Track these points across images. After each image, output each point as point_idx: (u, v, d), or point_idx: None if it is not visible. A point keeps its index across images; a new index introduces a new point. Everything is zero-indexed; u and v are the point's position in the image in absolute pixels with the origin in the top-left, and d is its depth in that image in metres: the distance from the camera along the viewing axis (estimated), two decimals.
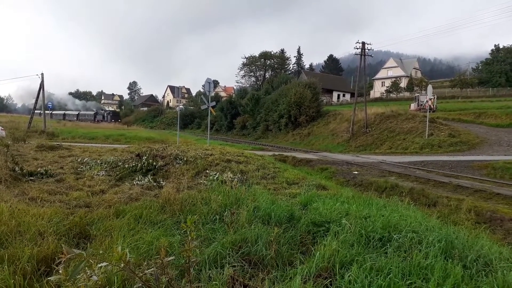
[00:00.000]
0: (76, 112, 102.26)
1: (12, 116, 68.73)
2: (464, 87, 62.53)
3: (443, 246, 4.23)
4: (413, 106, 43.51)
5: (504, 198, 11.18)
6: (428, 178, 14.33)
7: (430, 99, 31.67)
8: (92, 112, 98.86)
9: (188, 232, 2.72)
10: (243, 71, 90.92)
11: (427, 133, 27.20)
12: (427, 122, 27.52)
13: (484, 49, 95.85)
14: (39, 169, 10.00)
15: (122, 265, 2.23)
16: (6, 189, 7.36)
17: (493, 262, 4.01)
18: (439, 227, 5.13)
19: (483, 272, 3.82)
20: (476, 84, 63.97)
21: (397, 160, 20.50)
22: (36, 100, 40.18)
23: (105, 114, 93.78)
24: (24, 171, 9.45)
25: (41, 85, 37.11)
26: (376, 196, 9.23)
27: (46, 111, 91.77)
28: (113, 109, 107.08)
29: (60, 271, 2.34)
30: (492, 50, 67.88)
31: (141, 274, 2.45)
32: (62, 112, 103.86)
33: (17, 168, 9.34)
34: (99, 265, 2.41)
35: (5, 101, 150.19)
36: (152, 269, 2.58)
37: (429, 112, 28.86)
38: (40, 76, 36.61)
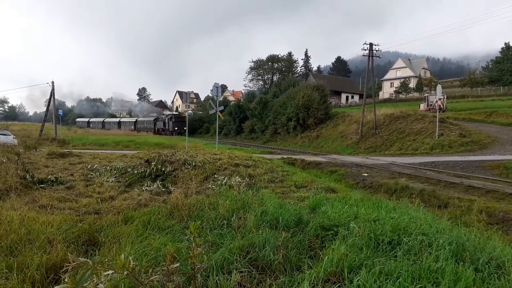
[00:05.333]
0: (134, 119, 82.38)
1: (24, 124, 69.65)
2: (474, 86, 61.89)
3: (454, 249, 4.16)
4: (422, 106, 43.16)
5: None
6: (439, 179, 14.14)
7: (440, 99, 31.38)
8: (152, 118, 75.16)
9: (192, 239, 2.72)
10: (250, 75, 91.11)
11: (437, 134, 26.90)
12: (437, 122, 27.22)
13: (494, 47, 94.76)
14: (49, 177, 10.13)
15: (126, 272, 2.23)
16: (17, 197, 7.45)
17: (506, 264, 3.93)
18: (449, 229, 5.05)
19: (495, 275, 3.74)
20: (487, 83, 63.32)
21: (407, 161, 20.30)
22: (47, 108, 40.74)
23: (166, 120, 67.57)
24: (35, 178, 9.58)
25: (52, 93, 37.62)
26: (386, 198, 9.14)
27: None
28: (175, 113, 79.34)
29: (66, 280, 2.34)
30: (502, 48, 67.13)
31: (146, 281, 2.44)
32: (117, 119, 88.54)
33: (28, 176, 9.47)
34: (106, 273, 2.41)
35: (17, 109, 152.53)
36: (158, 276, 2.57)
37: (439, 112, 28.57)
38: (51, 84, 37.15)
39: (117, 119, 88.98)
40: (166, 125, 66.93)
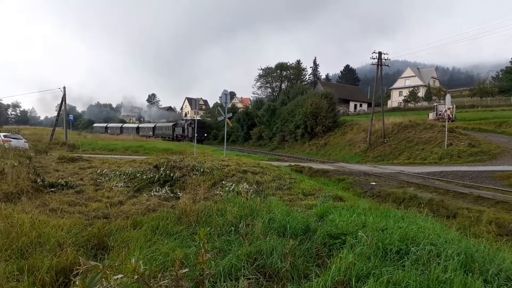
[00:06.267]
0: (152, 125, 78.03)
1: (35, 128, 70.42)
2: (484, 96, 61.30)
3: (462, 259, 4.14)
4: (431, 115, 42.87)
5: None
6: (447, 189, 14.04)
7: (449, 109, 31.17)
8: (171, 124, 70.14)
9: (201, 245, 2.74)
10: (259, 83, 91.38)
11: (446, 143, 26.70)
12: (446, 132, 27.05)
13: (504, 57, 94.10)
14: (59, 181, 10.23)
15: (136, 277, 2.26)
16: (28, 201, 7.54)
17: None
18: (458, 240, 5.02)
19: (505, 286, 3.72)
20: (497, 93, 62.64)
21: (415, 170, 20.16)
22: (58, 113, 41.28)
23: (186, 126, 63.32)
24: (46, 182, 9.68)
25: (63, 99, 38.08)
26: (394, 207, 9.09)
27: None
28: (196, 118, 73.42)
29: (77, 283, 2.38)
30: None
31: (155, 286, 2.47)
32: (135, 125, 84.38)
33: (38, 180, 9.57)
34: (115, 277, 2.44)
35: (28, 114, 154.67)
36: (167, 281, 2.60)
37: (448, 121, 28.39)
38: (62, 89, 37.64)
39: (135, 125, 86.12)
40: (185, 131, 62.97)
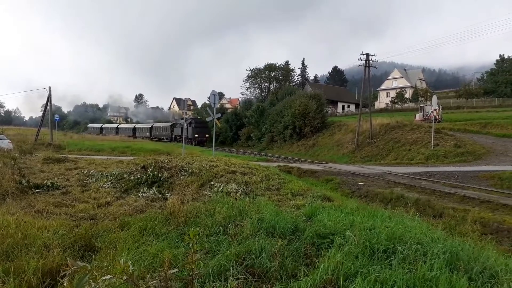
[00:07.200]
0: (149, 125, 72.30)
1: (19, 129, 69.14)
2: (470, 98, 62.38)
3: (448, 258, 4.21)
4: (418, 116, 43.44)
5: (511, 208, 11.06)
6: (433, 189, 14.22)
7: (435, 110, 31.62)
8: (169, 124, 64.42)
9: (191, 245, 2.74)
10: (248, 83, 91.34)
11: (432, 144, 27.07)
12: (433, 133, 27.42)
13: (489, 59, 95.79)
14: (45, 182, 10.09)
15: (125, 277, 2.25)
16: (13, 202, 7.43)
17: (499, 274, 3.98)
18: (444, 239, 5.10)
19: (488, 284, 3.79)
20: (482, 94, 63.85)
21: (402, 171, 20.38)
22: (44, 113, 40.67)
23: (185, 126, 58.43)
24: (31, 183, 9.54)
25: (49, 99, 37.57)
26: (381, 207, 9.19)
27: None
28: (197, 117, 65.25)
29: (65, 284, 2.36)
30: (497, 60, 67.98)
31: (144, 287, 2.46)
32: (132, 125, 79.74)
33: (23, 181, 9.43)
34: (103, 278, 2.43)
35: (12, 114, 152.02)
36: (155, 281, 2.59)
37: (435, 122, 28.78)
38: (48, 89, 37.13)
39: (131, 125, 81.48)
40: (185, 131, 57.69)
